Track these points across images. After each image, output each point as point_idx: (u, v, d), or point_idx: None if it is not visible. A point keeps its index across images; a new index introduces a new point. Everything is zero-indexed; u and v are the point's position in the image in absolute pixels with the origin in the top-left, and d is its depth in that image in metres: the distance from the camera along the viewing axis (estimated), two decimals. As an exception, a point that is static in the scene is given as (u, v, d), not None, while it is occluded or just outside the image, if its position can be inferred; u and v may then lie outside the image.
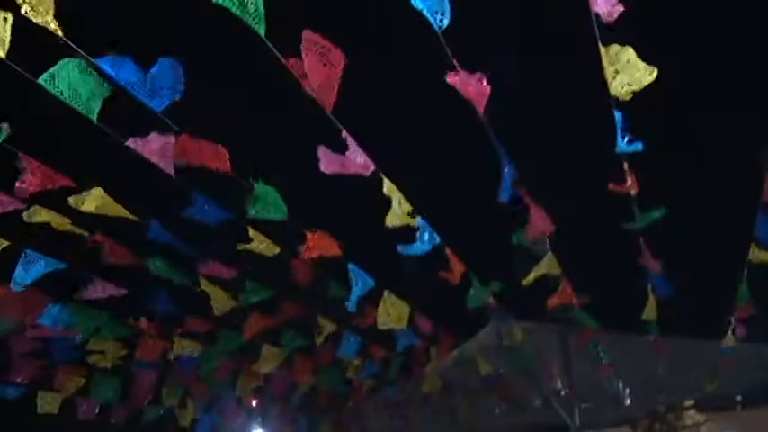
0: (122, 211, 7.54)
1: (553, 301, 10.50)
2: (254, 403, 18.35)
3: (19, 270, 8.21)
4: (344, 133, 6.33)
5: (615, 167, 7.39)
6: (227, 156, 6.63)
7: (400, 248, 8.10)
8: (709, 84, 11.40)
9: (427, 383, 15.84)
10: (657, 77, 5.72)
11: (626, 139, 6.63)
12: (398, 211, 7.34)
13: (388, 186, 7.13)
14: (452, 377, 15.79)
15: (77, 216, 7.59)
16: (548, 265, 9.30)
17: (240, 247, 8.29)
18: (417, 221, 7.78)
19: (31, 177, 6.71)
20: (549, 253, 9.15)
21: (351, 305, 9.03)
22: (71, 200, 7.24)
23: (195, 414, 15.65)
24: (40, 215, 7.59)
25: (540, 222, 8.46)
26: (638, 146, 6.69)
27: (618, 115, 6.37)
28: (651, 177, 7.82)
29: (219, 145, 6.57)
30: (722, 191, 12.86)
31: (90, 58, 5.35)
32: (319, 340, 11.30)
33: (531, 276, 9.42)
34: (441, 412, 18.85)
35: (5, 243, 7.89)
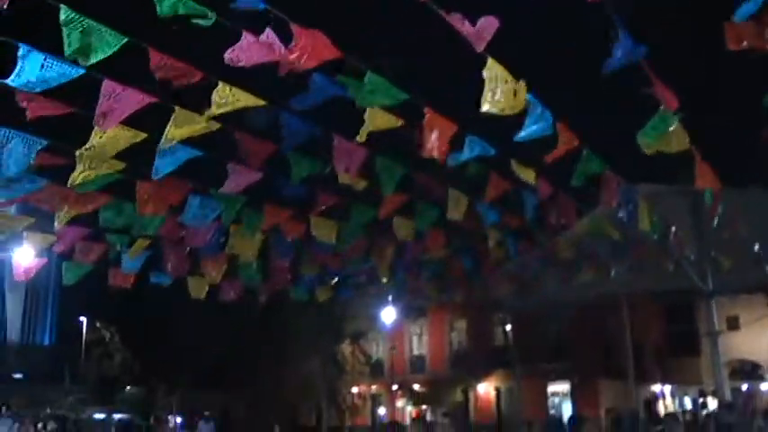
0: (255, 101, 7.75)
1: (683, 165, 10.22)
2: (384, 279, 18.84)
3: (159, 160, 8.62)
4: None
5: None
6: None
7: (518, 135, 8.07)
8: None
9: (558, 252, 15.82)
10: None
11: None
12: (504, 92, 7.29)
13: (490, 64, 7.09)
14: (582, 245, 15.69)
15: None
16: (676, 137, 9.04)
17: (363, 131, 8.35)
18: (528, 99, 7.72)
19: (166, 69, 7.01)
20: (678, 123, 8.88)
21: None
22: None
23: (331, 291, 16.28)
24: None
25: (665, 96, 8.24)
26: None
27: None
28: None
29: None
30: None
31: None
32: (454, 214, 11.35)
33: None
34: (571, 280, 18.87)
35: (143, 135, 8.28)
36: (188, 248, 12.63)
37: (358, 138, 8.48)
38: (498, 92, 7.36)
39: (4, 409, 25.16)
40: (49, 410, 34.60)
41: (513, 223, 13.07)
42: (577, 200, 12.66)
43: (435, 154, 8.75)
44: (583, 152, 9.76)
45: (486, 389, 38.12)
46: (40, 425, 25.26)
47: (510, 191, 11.08)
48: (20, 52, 6.59)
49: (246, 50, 6.79)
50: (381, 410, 42.43)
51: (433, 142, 8.70)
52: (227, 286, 14.30)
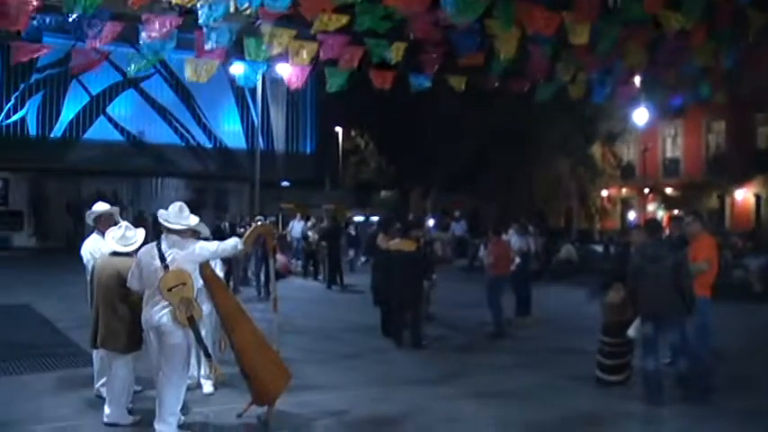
0: None
1: None
2: (637, 81, 18.26)
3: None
4: None
5: None
6: None
7: None
8: None
9: None
10: None
11: None
12: None
13: None
14: None
15: None
16: None
17: None
18: None
19: None
20: None
21: None
22: None
23: (584, 89, 16.03)
24: None
25: None
26: None
27: None
28: None
29: None
30: None
31: None
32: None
33: None
34: None
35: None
36: (444, 48, 12.93)
37: None
38: None
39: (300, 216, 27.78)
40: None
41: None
42: None
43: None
44: None
45: (744, 195, 36.55)
46: (310, 222, 27.54)
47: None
48: None
49: None
50: (631, 214, 42.14)
51: None
52: (482, 82, 14.51)
